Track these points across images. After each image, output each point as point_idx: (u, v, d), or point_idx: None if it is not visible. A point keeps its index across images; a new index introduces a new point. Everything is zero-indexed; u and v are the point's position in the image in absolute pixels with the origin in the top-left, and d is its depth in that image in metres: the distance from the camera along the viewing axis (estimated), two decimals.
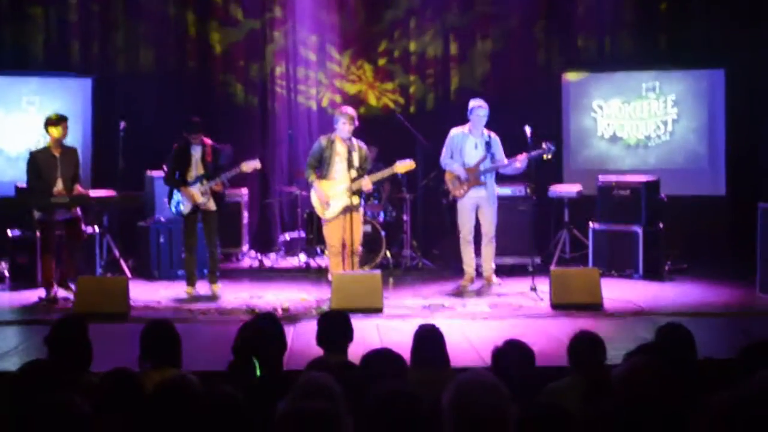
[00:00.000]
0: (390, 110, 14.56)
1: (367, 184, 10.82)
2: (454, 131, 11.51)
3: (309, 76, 14.83)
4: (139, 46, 14.40)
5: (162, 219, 12.53)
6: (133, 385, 4.48)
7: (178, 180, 11.20)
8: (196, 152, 11.19)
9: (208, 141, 11.27)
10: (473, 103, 11.43)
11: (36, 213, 10.92)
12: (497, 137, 11.43)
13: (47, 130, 10.82)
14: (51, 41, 14.08)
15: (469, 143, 11.41)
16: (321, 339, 5.90)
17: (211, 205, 11.24)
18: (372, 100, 14.83)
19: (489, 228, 11.47)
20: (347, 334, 5.94)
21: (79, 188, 10.90)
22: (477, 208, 11.45)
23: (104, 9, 14.25)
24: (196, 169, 11.20)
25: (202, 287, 11.37)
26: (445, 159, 11.51)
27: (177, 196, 11.22)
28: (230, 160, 11.63)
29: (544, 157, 11.15)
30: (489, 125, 11.43)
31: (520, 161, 11.11)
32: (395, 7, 14.75)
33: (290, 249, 13.87)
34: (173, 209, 11.34)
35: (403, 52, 14.83)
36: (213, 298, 11.02)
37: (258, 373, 5.26)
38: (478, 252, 11.64)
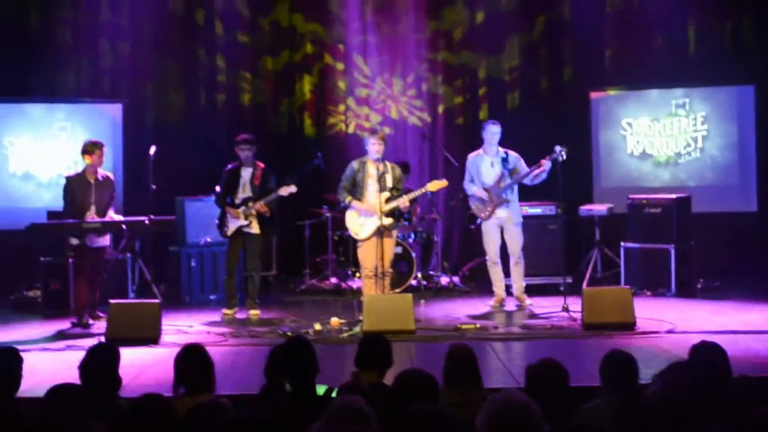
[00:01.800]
0: (419, 129, 14.57)
1: (404, 201, 10.84)
2: (471, 155, 11.62)
3: (339, 104, 14.87)
4: (169, 70, 14.48)
5: (209, 240, 12.54)
6: (165, 411, 4.48)
7: (226, 201, 11.29)
8: (246, 174, 11.30)
9: (261, 164, 11.34)
10: (487, 123, 11.54)
11: (71, 239, 10.97)
12: (515, 153, 11.46)
13: (83, 156, 10.89)
14: (81, 68, 14.17)
15: (485, 163, 11.48)
16: (360, 361, 5.89)
17: (255, 228, 11.29)
18: (398, 116, 14.85)
19: (515, 247, 11.49)
20: (387, 358, 5.93)
21: (111, 215, 10.94)
22: (501, 228, 11.46)
23: (134, 35, 14.34)
24: (242, 191, 11.28)
25: (240, 312, 11.39)
26: (466, 184, 11.61)
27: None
28: None
29: (559, 159, 11.12)
30: (520, 144, 11.47)
31: (543, 165, 11.12)
32: (420, 31, 14.81)
33: (321, 271, 13.87)
34: (219, 231, 11.43)
35: (432, 72, 14.85)
36: (248, 323, 11.00)
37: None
38: (507, 272, 11.64)
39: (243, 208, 11.22)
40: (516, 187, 11.50)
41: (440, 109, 14.84)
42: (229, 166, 11.45)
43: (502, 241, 11.56)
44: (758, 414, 3.60)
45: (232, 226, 11.30)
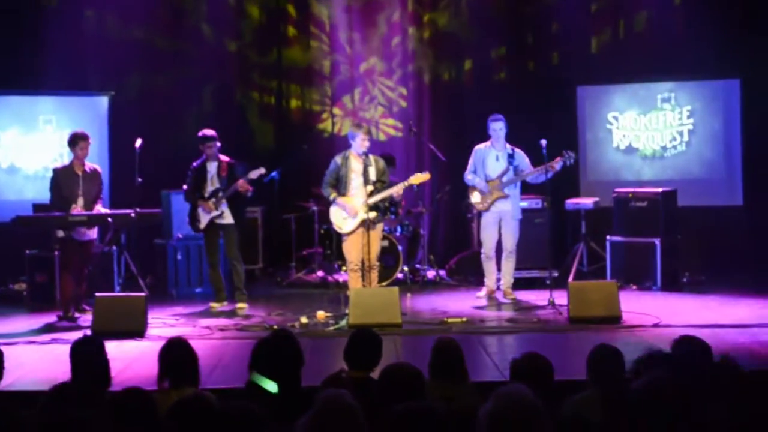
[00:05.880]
0: (404, 120, 14.54)
1: (398, 191, 10.85)
2: (478, 147, 11.63)
3: (325, 103, 14.88)
4: (155, 63, 14.43)
5: (180, 236, 12.53)
6: (146, 405, 4.45)
7: (195, 196, 11.28)
8: (212, 168, 11.32)
9: (224, 158, 11.35)
10: (490, 119, 11.52)
11: (57, 231, 10.93)
12: (521, 151, 11.49)
13: (70, 148, 10.87)
14: (67, 60, 14.10)
15: (490, 156, 11.51)
16: (349, 355, 5.88)
17: (228, 218, 11.28)
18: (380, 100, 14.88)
19: (510, 242, 11.53)
20: (377, 354, 5.92)
21: (99, 208, 10.90)
22: (500, 221, 11.49)
23: (120, 26, 14.28)
24: (211, 184, 11.28)
25: (229, 304, 11.36)
26: (467, 174, 11.62)
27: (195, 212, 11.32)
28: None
29: (567, 163, 11.21)
30: (506, 139, 11.48)
31: (555, 167, 11.14)
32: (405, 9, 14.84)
33: (307, 265, 13.86)
34: (192, 227, 11.41)
35: (418, 68, 14.85)
36: (235, 314, 10.98)
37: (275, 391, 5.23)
38: (498, 266, 11.67)
39: (213, 199, 11.21)
40: (519, 183, 11.55)
41: (427, 79, 14.82)
42: (195, 164, 11.46)
43: (498, 236, 11.59)
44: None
45: (204, 220, 11.31)
